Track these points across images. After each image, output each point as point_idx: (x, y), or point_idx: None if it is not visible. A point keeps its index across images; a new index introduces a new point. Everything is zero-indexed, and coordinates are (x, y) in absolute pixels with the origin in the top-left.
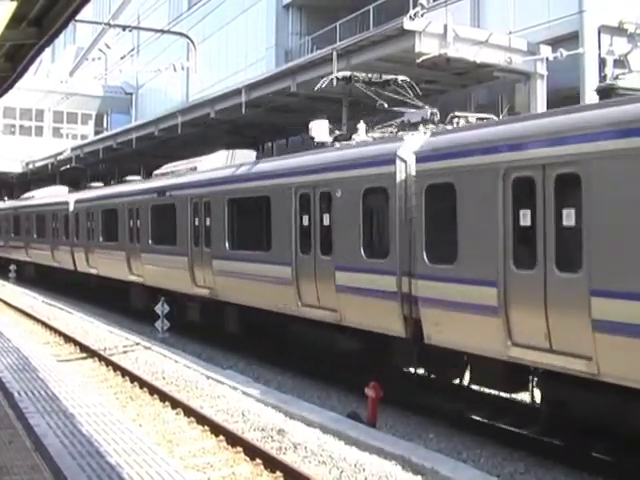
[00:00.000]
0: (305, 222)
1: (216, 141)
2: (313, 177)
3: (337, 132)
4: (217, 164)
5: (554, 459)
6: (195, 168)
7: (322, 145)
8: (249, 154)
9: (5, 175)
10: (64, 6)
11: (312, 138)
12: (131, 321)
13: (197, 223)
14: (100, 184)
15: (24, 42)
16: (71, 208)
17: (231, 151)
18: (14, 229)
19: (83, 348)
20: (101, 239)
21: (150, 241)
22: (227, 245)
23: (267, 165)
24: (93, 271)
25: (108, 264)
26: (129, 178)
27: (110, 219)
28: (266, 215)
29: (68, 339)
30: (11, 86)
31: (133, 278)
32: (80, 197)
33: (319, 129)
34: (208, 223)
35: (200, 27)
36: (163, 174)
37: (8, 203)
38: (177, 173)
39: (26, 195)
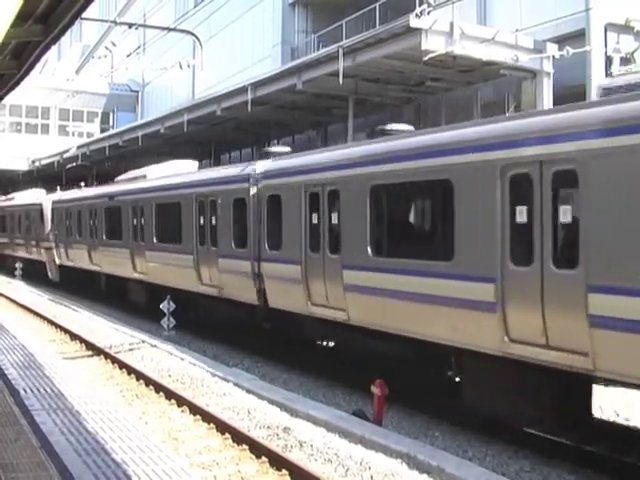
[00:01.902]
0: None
1: (222, 139)
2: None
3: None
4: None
5: (559, 457)
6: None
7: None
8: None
9: (11, 173)
10: (70, 4)
11: None
12: (137, 319)
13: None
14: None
15: (30, 40)
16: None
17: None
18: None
19: (89, 346)
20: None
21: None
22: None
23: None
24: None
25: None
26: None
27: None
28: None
29: (74, 337)
30: (17, 84)
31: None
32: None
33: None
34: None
35: (206, 25)
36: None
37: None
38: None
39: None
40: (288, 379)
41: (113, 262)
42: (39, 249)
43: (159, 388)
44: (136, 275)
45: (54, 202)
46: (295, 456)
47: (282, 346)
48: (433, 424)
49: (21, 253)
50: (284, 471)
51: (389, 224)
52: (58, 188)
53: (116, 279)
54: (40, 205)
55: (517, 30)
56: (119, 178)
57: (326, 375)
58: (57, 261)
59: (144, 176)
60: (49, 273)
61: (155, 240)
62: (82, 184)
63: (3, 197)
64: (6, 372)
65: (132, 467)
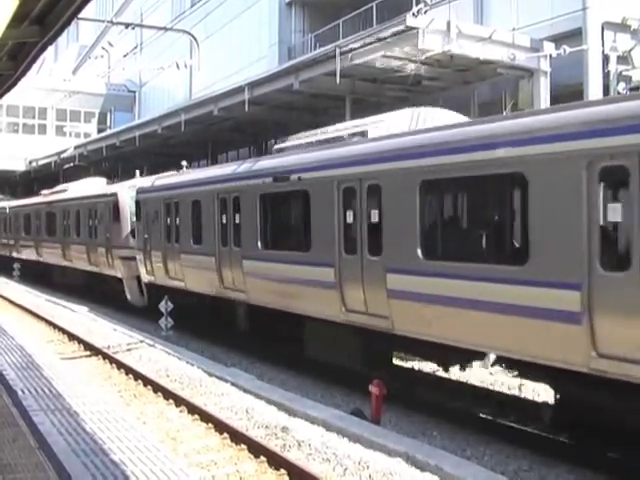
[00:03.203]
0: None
1: (219, 138)
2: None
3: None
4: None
5: (558, 456)
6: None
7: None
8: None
9: (9, 173)
10: (66, 4)
11: None
12: (135, 319)
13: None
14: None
15: (26, 40)
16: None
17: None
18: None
19: (87, 346)
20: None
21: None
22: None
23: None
24: None
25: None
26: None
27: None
28: None
29: (72, 337)
30: (14, 84)
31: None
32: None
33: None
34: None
35: (203, 25)
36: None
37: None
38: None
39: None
40: (286, 379)
41: (287, 292)
42: (111, 259)
43: (157, 388)
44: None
45: (141, 191)
46: (293, 456)
47: (281, 346)
48: (431, 423)
49: (80, 264)
50: (282, 470)
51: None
52: (137, 173)
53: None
54: (114, 196)
55: (514, 29)
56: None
57: (324, 375)
58: (145, 278)
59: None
60: (128, 294)
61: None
62: (184, 163)
63: (46, 191)
64: (4, 373)
65: (130, 467)
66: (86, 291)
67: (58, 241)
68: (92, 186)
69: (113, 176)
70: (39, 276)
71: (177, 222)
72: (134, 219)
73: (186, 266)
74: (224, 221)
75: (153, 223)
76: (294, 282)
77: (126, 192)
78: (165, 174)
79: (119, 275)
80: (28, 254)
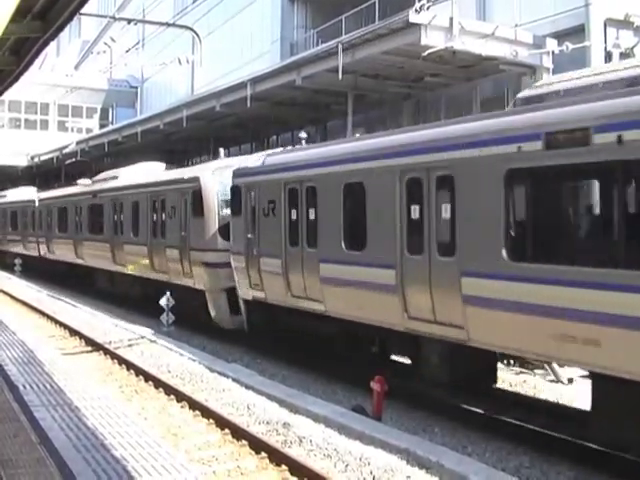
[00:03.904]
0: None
1: (221, 134)
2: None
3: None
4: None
5: (559, 453)
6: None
7: None
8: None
9: (11, 169)
10: (69, 0)
11: None
12: (136, 315)
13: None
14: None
15: (29, 36)
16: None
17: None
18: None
19: (88, 342)
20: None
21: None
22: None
23: None
24: None
25: None
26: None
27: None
28: None
29: (73, 332)
30: (16, 80)
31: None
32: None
33: None
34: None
35: (205, 20)
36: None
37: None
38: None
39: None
40: (287, 375)
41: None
42: (187, 266)
43: (158, 384)
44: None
45: (243, 173)
46: (294, 452)
47: (282, 342)
48: (432, 420)
49: (138, 270)
50: (283, 467)
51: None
52: (222, 152)
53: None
54: (196, 182)
55: (516, 25)
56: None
57: (325, 371)
58: (246, 294)
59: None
60: (212, 311)
61: None
62: (303, 134)
63: (83, 180)
64: (5, 368)
65: (132, 463)
66: (146, 304)
67: (106, 240)
68: (150, 171)
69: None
70: (78, 283)
71: (314, 216)
72: (224, 212)
73: (329, 282)
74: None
75: (266, 217)
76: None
77: (212, 176)
78: (280, 150)
79: (199, 286)
80: (64, 255)
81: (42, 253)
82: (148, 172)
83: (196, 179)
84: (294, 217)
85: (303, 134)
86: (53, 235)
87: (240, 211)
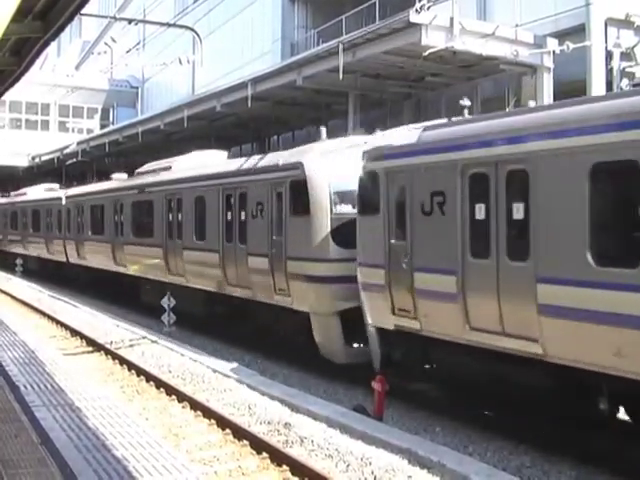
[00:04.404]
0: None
1: (222, 134)
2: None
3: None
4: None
5: (561, 452)
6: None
7: None
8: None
9: (12, 169)
10: (69, 0)
11: None
12: (137, 315)
13: None
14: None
15: (29, 36)
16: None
17: None
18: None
19: (89, 342)
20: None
21: None
22: None
23: None
24: None
25: None
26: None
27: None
28: None
29: (74, 333)
30: (17, 80)
31: None
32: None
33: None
34: None
35: (206, 20)
36: None
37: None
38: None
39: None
40: (288, 375)
41: None
42: (283, 280)
43: (160, 384)
44: None
45: (385, 155)
46: (296, 452)
47: (282, 342)
48: (434, 420)
49: (205, 283)
50: (285, 467)
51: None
52: (322, 133)
53: None
54: (298, 170)
55: (517, 25)
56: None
57: (326, 371)
58: (382, 321)
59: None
60: (319, 338)
61: None
62: (466, 102)
63: (117, 175)
64: (6, 368)
65: (133, 463)
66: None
67: (158, 244)
68: (212, 160)
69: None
70: (118, 296)
71: (521, 213)
72: (338, 209)
73: (555, 314)
74: None
75: (426, 216)
76: None
77: (321, 162)
78: (448, 121)
79: (299, 307)
80: (98, 261)
81: (70, 259)
82: (210, 161)
83: (298, 166)
84: (480, 215)
85: (466, 101)
86: (85, 237)
87: (376, 207)
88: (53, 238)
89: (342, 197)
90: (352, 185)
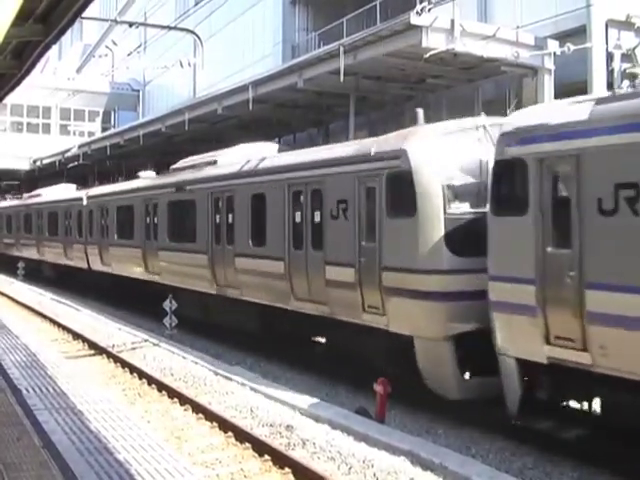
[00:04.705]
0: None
1: (223, 137)
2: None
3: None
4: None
5: (563, 454)
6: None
7: None
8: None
9: (13, 173)
10: (70, 3)
11: None
12: (139, 318)
13: None
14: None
15: (30, 39)
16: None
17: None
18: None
19: (91, 345)
20: None
21: None
22: None
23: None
24: None
25: None
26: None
27: None
28: None
29: (76, 336)
30: (18, 83)
31: None
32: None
33: None
34: None
35: (207, 23)
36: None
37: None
38: None
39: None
40: (290, 377)
41: None
42: (378, 296)
43: (161, 387)
44: None
45: (527, 136)
46: (298, 454)
47: (284, 344)
48: (436, 422)
49: (267, 297)
50: (287, 469)
51: None
52: (419, 115)
53: None
54: (400, 160)
55: (518, 27)
56: None
57: (329, 373)
58: (530, 351)
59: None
60: (424, 369)
61: None
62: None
63: (143, 173)
64: (9, 372)
65: (135, 466)
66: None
67: (202, 250)
68: (267, 151)
69: (117, 176)
70: (150, 306)
71: None
72: (453, 207)
73: None
74: None
75: (608, 216)
76: None
77: (431, 148)
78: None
79: (398, 329)
80: (126, 268)
81: (92, 265)
82: (267, 152)
83: (399, 154)
84: None
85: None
86: (110, 242)
87: (521, 206)
88: (72, 242)
89: (457, 193)
90: (469, 177)
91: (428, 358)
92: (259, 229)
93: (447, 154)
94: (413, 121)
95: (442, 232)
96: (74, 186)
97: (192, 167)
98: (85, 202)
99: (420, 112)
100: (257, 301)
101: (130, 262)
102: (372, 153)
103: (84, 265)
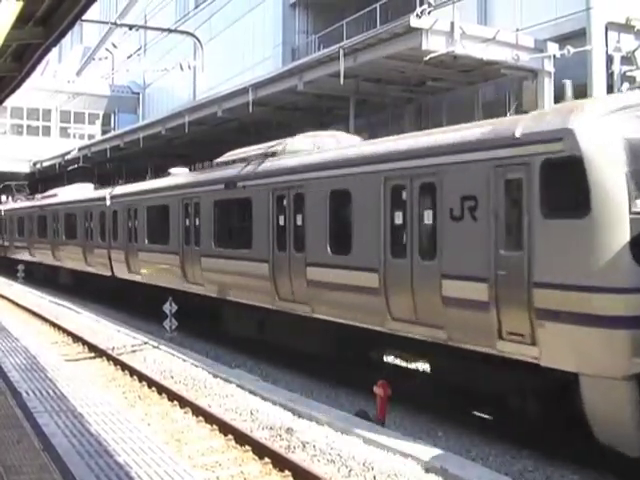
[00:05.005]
0: None
1: (223, 140)
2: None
3: None
4: None
5: (563, 456)
6: None
7: None
8: None
9: (13, 175)
10: (70, 5)
11: None
12: (139, 320)
13: None
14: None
15: (31, 42)
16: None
17: None
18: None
19: (91, 347)
20: None
21: None
22: None
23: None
24: None
25: None
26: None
27: None
28: None
29: (76, 338)
30: (18, 86)
31: None
32: None
33: None
34: None
35: (207, 26)
36: None
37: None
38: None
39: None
40: (290, 380)
41: None
42: (527, 319)
43: (162, 390)
44: None
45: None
46: (298, 457)
47: (284, 347)
48: (436, 424)
49: (354, 316)
50: (287, 472)
51: None
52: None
53: None
54: (562, 142)
55: (518, 30)
56: None
57: (329, 376)
58: None
59: None
60: (595, 419)
61: None
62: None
63: (177, 169)
64: (8, 374)
65: (135, 469)
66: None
67: (261, 257)
68: (347, 141)
69: (118, 178)
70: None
71: None
72: (637, 207)
73: None
74: None
75: None
76: None
77: (608, 130)
78: None
79: (557, 364)
80: (159, 277)
81: (117, 272)
82: (346, 142)
83: (561, 135)
84: None
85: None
86: (139, 247)
87: None
88: (94, 247)
89: None
90: None
91: (600, 403)
92: (342, 233)
93: (628, 136)
94: (415, 122)
95: (626, 237)
96: (92, 186)
97: (244, 160)
98: (109, 202)
99: (568, 83)
100: (334, 319)
101: (165, 271)
102: (517, 135)
103: (107, 272)
